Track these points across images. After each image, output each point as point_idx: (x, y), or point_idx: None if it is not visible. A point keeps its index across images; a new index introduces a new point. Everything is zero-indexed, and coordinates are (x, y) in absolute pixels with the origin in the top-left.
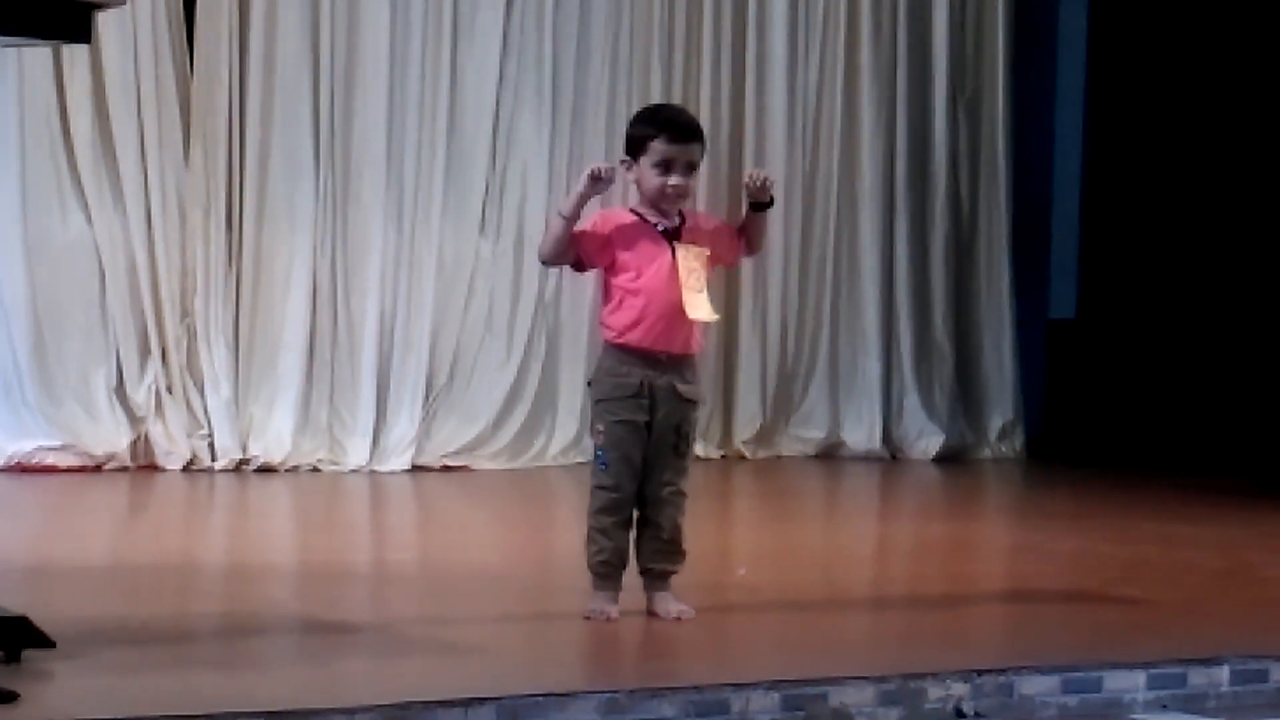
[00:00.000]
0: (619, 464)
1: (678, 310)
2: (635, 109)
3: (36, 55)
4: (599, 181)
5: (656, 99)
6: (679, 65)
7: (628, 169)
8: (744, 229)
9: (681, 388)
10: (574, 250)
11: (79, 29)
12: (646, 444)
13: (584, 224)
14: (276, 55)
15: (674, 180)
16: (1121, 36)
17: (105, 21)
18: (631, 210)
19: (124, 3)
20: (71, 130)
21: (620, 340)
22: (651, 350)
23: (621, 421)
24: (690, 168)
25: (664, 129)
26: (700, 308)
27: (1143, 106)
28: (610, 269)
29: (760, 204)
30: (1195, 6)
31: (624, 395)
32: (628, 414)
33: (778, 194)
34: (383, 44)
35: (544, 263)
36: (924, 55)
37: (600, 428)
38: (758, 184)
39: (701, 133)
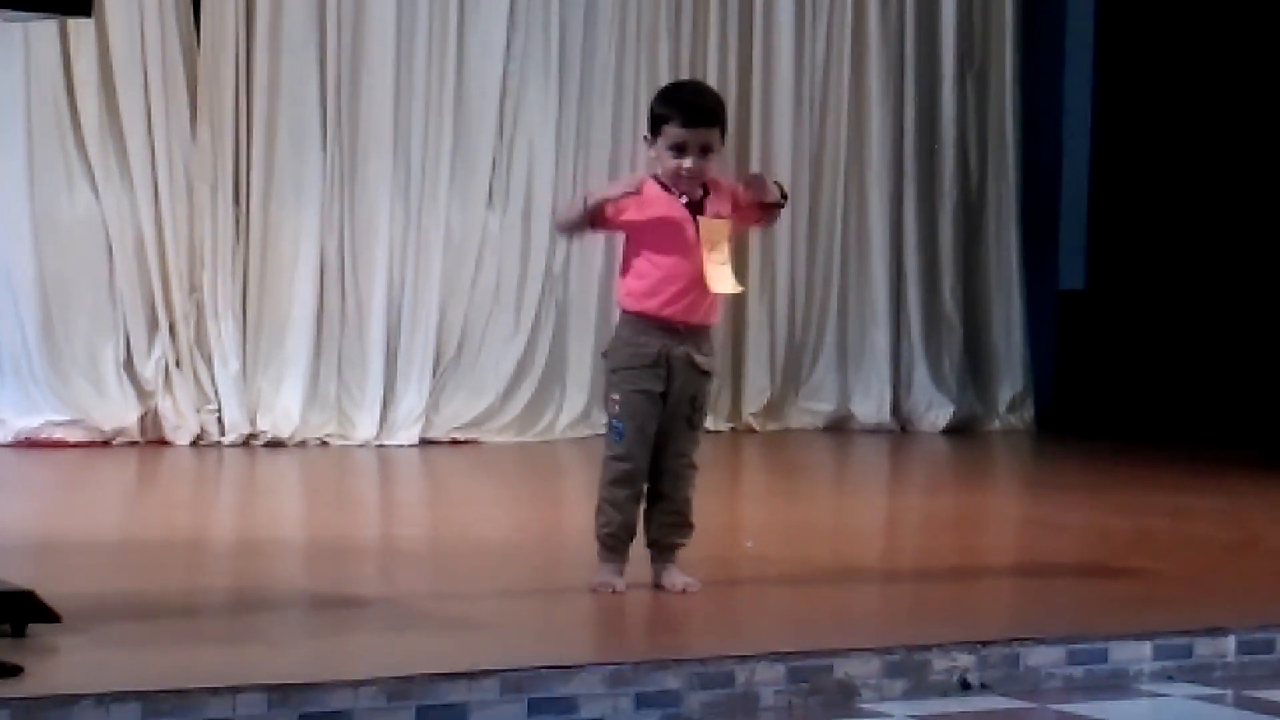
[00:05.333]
0: (634, 434)
1: (699, 282)
2: (643, 81)
3: (42, 31)
4: (632, 194)
5: (664, 71)
6: (686, 37)
7: (648, 145)
8: (758, 215)
9: (698, 358)
10: (594, 218)
11: (80, 3)
12: (661, 415)
13: (608, 190)
14: (283, 30)
15: (687, 164)
16: (1130, 9)
17: None
18: (656, 179)
19: None
20: (78, 106)
21: (639, 309)
22: (671, 320)
23: (639, 391)
24: (706, 150)
25: (680, 112)
26: (723, 281)
27: (1151, 77)
28: (631, 239)
29: (770, 204)
30: None
31: (642, 364)
32: (645, 384)
33: (784, 166)
34: (389, 18)
35: (559, 232)
36: (932, 27)
37: (616, 397)
38: (750, 184)
39: (720, 115)
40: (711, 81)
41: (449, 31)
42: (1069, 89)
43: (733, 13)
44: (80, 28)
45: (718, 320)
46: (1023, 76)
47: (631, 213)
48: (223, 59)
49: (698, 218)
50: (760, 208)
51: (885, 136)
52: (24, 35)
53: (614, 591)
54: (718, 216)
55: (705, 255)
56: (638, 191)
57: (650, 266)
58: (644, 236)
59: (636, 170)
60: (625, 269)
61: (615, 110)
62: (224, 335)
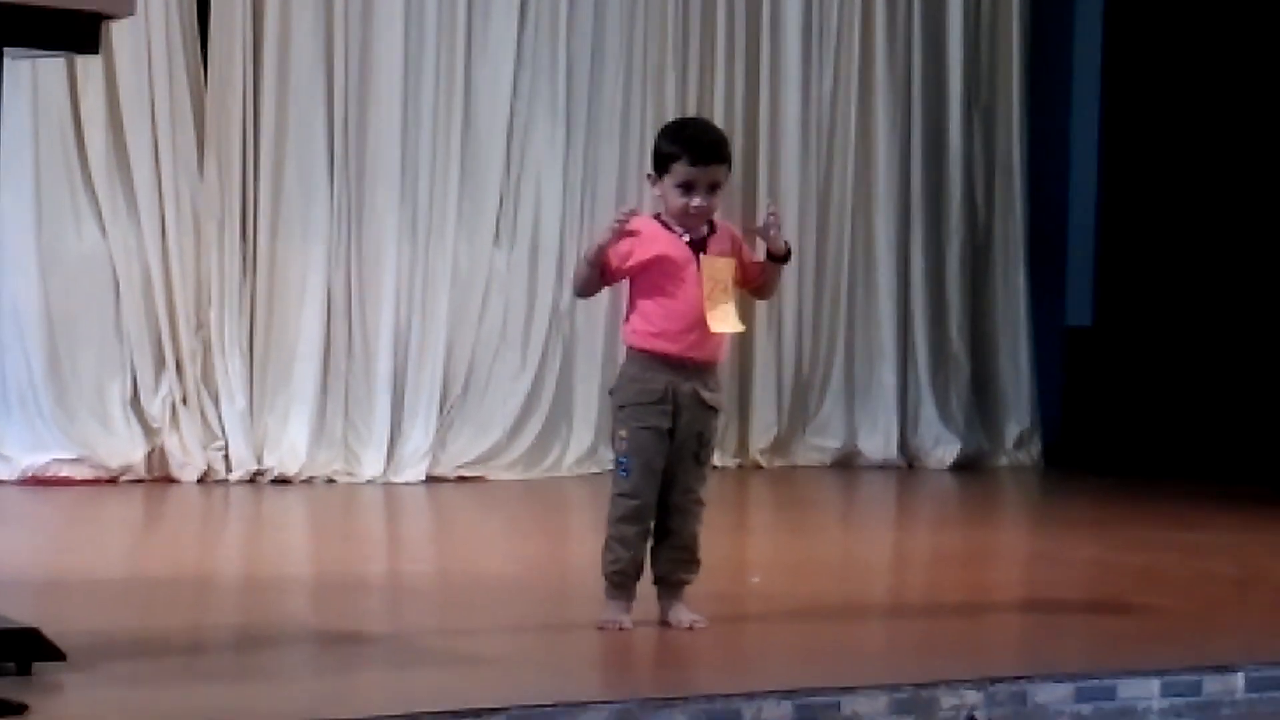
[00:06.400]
0: (641, 471)
1: (703, 320)
2: (650, 118)
3: (50, 67)
4: (623, 234)
5: (670, 108)
6: (693, 74)
7: (653, 184)
8: (760, 271)
9: (705, 395)
10: (603, 272)
11: (88, 40)
12: (668, 451)
13: (599, 238)
14: (290, 66)
15: (696, 202)
16: (1137, 44)
17: (119, 33)
18: (658, 218)
19: (133, 13)
20: (86, 142)
21: (645, 347)
22: (677, 357)
23: (645, 428)
24: (714, 188)
25: (687, 150)
26: (724, 320)
27: (1158, 113)
28: (635, 279)
29: (776, 256)
30: (1211, 15)
31: (648, 401)
32: (652, 420)
33: (791, 202)
34: (396, 54)
35: (580, 297)
36: (939, 64)
37: (623, 434)
38: (769, 227)
39: (726, 151)
40: (718, 118)
41: (456, 68)
42: (1076, 125)
43: (739, 50)
44: (88, 64)
45: (725, 357)
46: (1030, 112)
47: (635, 258)
48: (230, 95)
49: (700, 256)
50: (760, 266)
51: (892, 173)
52: (32, 70)
53: (621, 628)
54: (721, 255)
55: (707, 294)
56: (626, 221)
57: (654, 305)
58: (648, 276)
59: (643, 209)
60: (630, 308)
61: (622, 148)
62: (231, 372)
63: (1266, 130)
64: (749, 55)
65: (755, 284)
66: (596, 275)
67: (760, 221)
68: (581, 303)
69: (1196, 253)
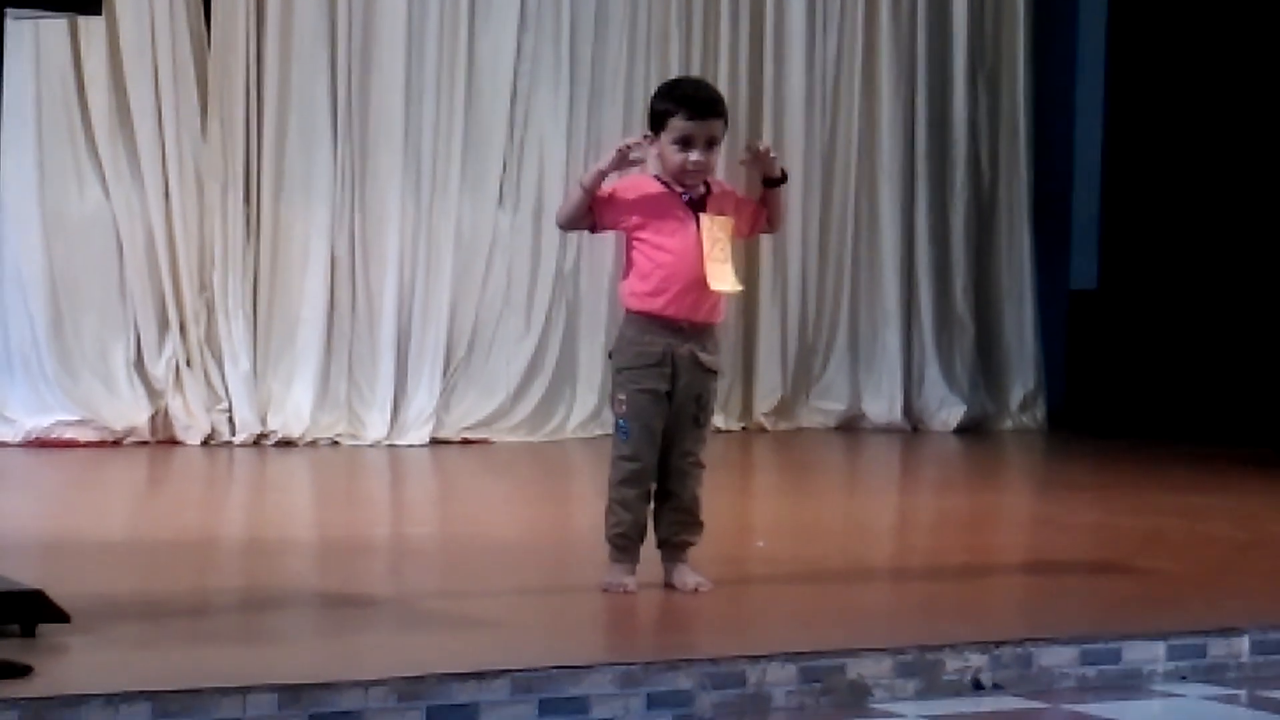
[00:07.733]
0: (641, 434)
1: (701, 280)
2: (653, 81)
3: (53, 28)
4: (626, 160)
5: (674, 71)
6: (697, 37)
7: (650, 143)
8: (763, 204)
9: (703, 357)
10: (595, 215)
11: (90, 0)
12: (667, 414)
13: (610, 188)
14: (294, 28)
15: (694, 157)
16: (1142, 7)
17: None
18: (657, 178)
19: None
20: (88, 104)
21: (643, 309)
22: (675, 319)
23: (644, 390)
24: (711, 143)
25: (683, 105)
26: (724, 279)
27: (1163, 77)
28: (633, 237)
29: (772, 180)
30: None
31: (647, 364)
32: (650, 383)
33: (795, 166)
34: (400, 17)
35: (561, 228)
36: (944, 26)
37: (622, 397)
38: (756, 153)
39: (723, 107)
40: (723, 81)
41: (460, 30)
42: (1081, 88)
43: (744, 13)
44: (90, 25)
45: (722, 319)
46: (1034, 75)
47: (635, 190)
48: (233, 56)
49: (700, 214)
50: (761, 204)
51: (897, 136)
52: (34, 33)
53: (625, 591)
54: (720, 214)
55: (706, 252)
56: (630, 149)
57: (652, 265)
58: (643, 226)
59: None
60: (628, 269)
61: (626, 111)
62: (234, 334)
63: (1272, 95)
64: (753, 18)
65: (763, 224)
66: (586, 205)
67: (746, 155)
68: (586, 265)
69: (1201, 216)
